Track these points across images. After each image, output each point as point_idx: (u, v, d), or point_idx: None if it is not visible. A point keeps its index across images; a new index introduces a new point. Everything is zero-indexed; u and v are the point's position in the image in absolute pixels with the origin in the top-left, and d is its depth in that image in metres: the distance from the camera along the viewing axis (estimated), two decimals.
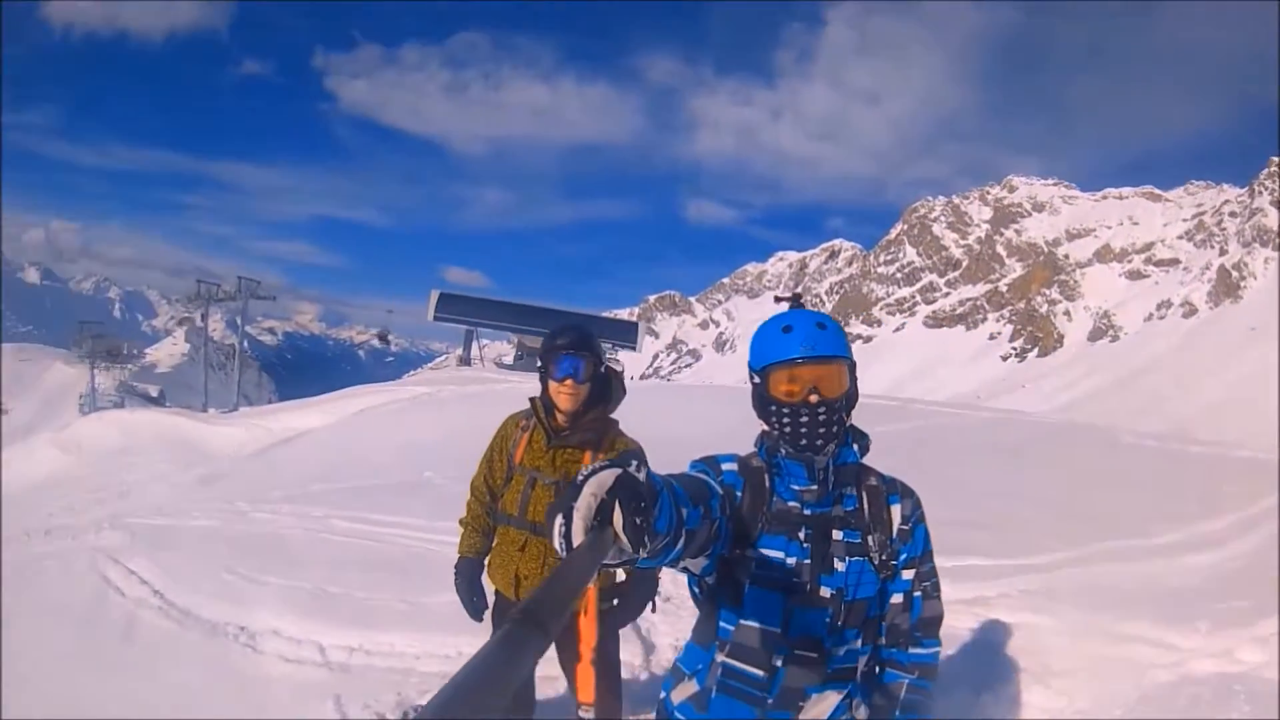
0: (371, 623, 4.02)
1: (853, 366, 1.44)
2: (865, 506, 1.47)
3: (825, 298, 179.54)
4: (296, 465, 13.50)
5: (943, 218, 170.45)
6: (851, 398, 1.43)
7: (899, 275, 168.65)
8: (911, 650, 1.51)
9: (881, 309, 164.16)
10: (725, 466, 1.45)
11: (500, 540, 2.39)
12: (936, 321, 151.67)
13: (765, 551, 1.41)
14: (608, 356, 2.32)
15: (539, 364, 2.27)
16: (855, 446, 1.47)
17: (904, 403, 14.02)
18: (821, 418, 1.37)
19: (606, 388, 2.30)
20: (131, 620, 4.85)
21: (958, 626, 3.39)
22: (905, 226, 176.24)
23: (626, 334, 30.54)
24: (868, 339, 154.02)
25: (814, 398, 1.36)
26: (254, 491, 10.58)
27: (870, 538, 1.45)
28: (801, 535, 1.41)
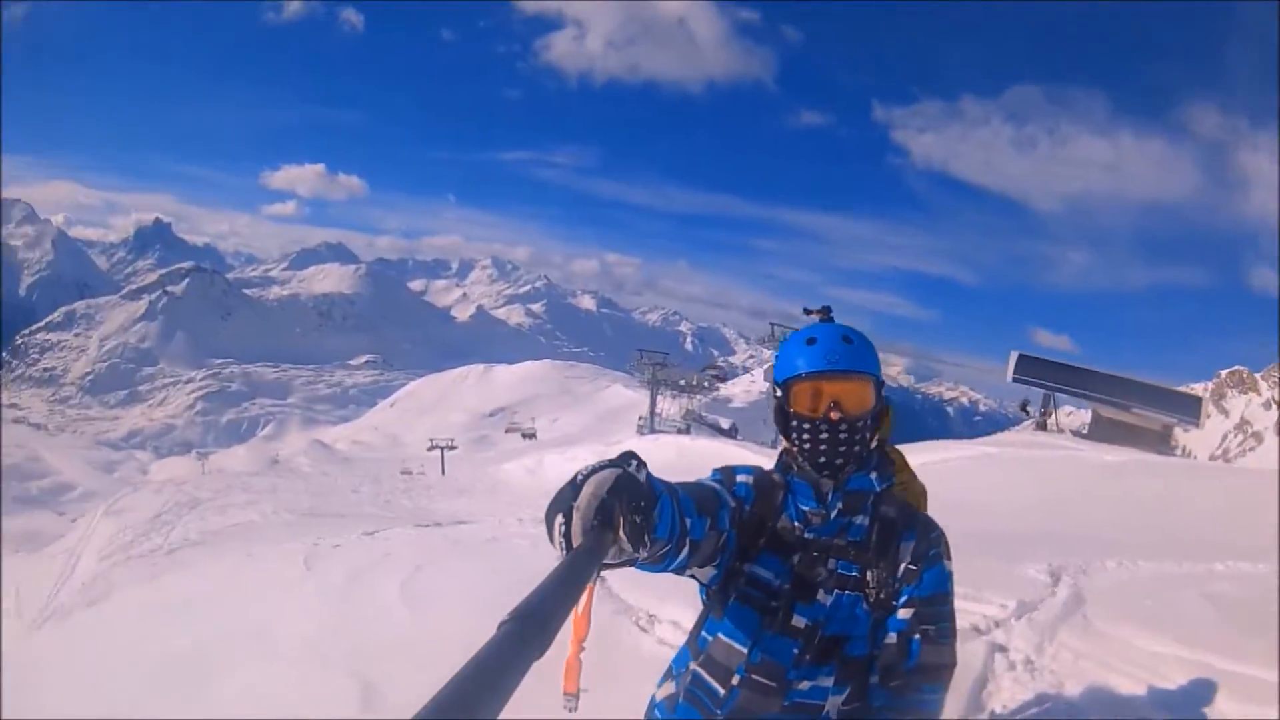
0: None
1: (879, 384, 1.35)
2: (873, 539, 1.34)
3: None
4: None
5: None
6: (876, 418, 1.33)
7: None
8: (908, 696, 1.35)
9: None
10: (740, 478, 1.41)
11: None
12: None
13: (757, 569, 1.35)
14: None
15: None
16: (874, 474, 1.37)
17: None
18: (842, 435, 1.30)
19: None
20: None
21: (1225, 709, 3.09)
22: None
23: (1188, 409, 27.16)
24: None
25: (835, 414, 1.29)
26: None
27: (870, 573, 1.33)
28: (794, 559, 1.34)
